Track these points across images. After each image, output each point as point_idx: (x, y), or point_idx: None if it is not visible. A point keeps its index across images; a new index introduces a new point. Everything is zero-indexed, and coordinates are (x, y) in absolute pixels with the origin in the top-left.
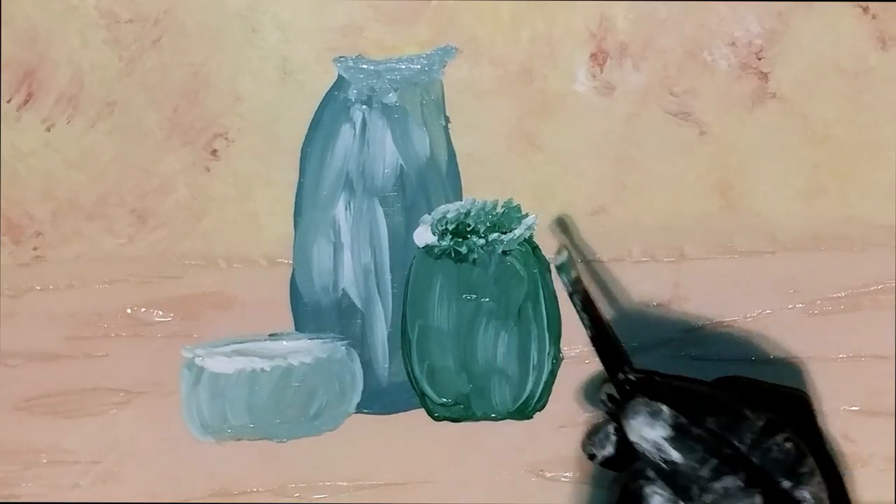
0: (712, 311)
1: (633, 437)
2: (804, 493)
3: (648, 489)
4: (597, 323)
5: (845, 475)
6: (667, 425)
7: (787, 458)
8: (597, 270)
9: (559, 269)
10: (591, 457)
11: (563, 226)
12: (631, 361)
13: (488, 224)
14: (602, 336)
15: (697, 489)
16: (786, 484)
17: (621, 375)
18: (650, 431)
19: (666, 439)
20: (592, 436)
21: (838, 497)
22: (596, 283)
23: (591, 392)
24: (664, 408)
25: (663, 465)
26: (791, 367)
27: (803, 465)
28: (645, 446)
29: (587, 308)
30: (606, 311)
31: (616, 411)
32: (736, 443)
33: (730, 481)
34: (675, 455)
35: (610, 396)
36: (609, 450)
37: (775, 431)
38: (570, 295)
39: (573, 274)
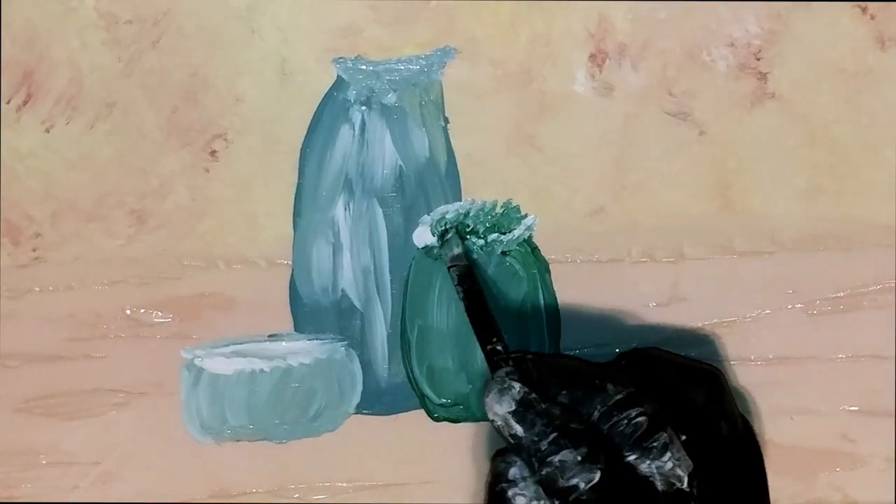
0: (711, 312)
1: (488, 414)
2: (651, 468)
3: (508, 461)
4: (471, 296)
5: (760, 455)
6: (512, 400)
7: (636, 431)
8: (595, 271)
9: (443, 244)
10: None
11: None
12: (503, 337)
13: (487, 225)
14: (476, 309)
15: (537, 462)
16: (631, 457)
17: (489, 346)
18: (499, 407)
19: (510, 413)
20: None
21: (748, 479)
22: (595, 284)
23: None
24: (515, 384)
25: (510, 440)
26: (790, 368)
27: (654, 440)
28: (497, 422)
29: (463, 281)
30: (606, 312)
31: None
32: (586, 416)
33: (568, 454)
34: (517, 429)
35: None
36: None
37: (631, 405)
38: (449, 269)
39: (456, 250)
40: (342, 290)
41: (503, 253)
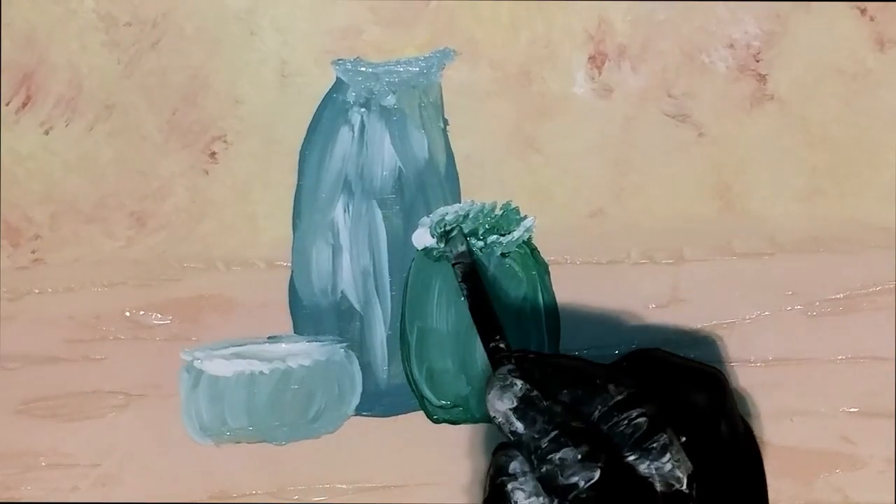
0: (711, 313)
1: (490, 411)
2: (651, 469)
3: (509, 455)
4: (475, 293)
5: (759, 457)
6: (514, 397)
7: (636, 431)
8: (595, 272)
9: (447, 241)
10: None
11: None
12: (506, 336)
13: (487, 226)
14: (479, 306)
15: (537, 459)
16: (630, 458)
17: (492, 344)
18: (500, 404)
19: (512, 410)
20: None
21: (747, 481)
22: (594, 286)
23: None
24: (517, 381)
25: (510, 437)
26: (789, 369)
27: (653, 441)
28: (498, 419)
29: (467, 279)
30: (606, 313)
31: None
32: (587, 416)
33: (568, 453)
34: (518, 426)
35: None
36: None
37: (632, 406)
38: (453, 266)
39: (460, 248)
40: (342, 292)
41: (503, 254)
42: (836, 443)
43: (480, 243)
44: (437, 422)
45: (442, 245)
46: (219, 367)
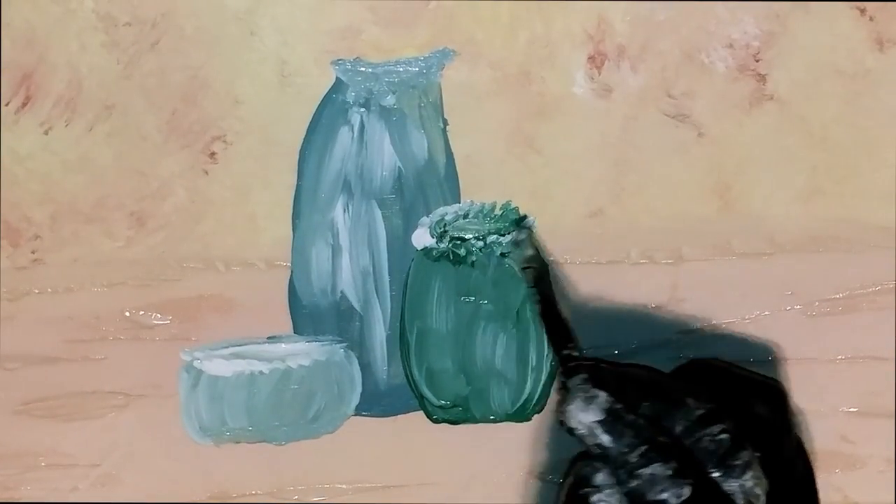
0: (710, 313)
1: (570, 423)
2: (733, 486)
3: (594, 465)
4: (545, 299)
5: (814, 472)
6: (600, 410)
7: (720, 448)
8: (594, 272)
9: (516, 244)
10: (562, 423)
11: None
12: (578, 341)
13: (486, 226)
14: (549, 312)
15: (625, 474)
16: (715, 474)
17: (565, 351)
18: (584, 416)
19: (598, 423)
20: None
21: (803, 493)
22: (594, 286)
23: None
24: (601, 393)
25: (596, 449)
26: (789, 369)
27: (736, 458)
28: (580, 430)
29: (538, 283)
30: (605, 313)
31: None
32: (669, 430)
33: (658, 468)
34: (606, 439)
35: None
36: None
37: (713, 421)
38: (522, 270)
39: (529, 252)
40: (341, 292)
41: (502, 255)
42: (836, 442)
43: (480, 243)
44: (436, 422)
45: (517, 251)
46: (218, 367)
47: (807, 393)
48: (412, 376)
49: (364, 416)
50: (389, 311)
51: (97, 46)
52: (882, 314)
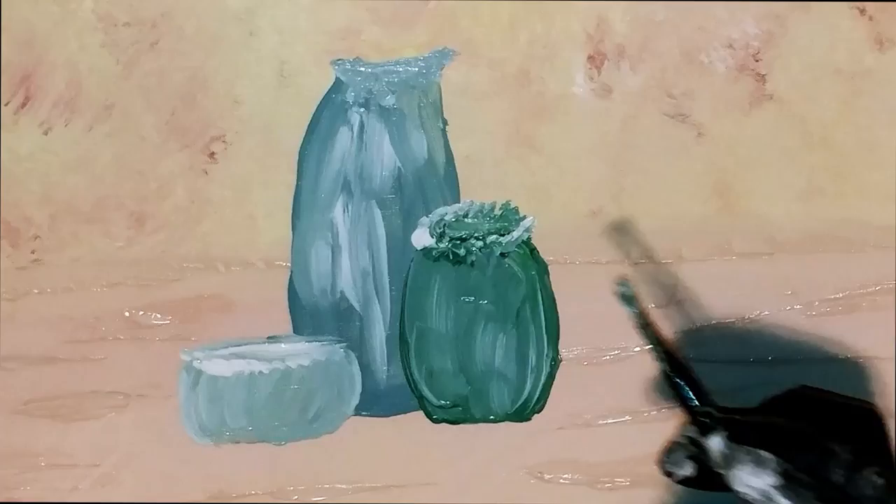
0: (710, 313)
1: (738, 487)
2: None
3: None
4: (670, 356)
5: None
6: (775, 474)
7: (878, 492)
8: (595, 272)
9: (626, 300)
10: (669, 474)
11: (622, 231)
12: (708, 394)
13: (486, 226)
14: (677, 369)
15: None
16: None
17: (699, 408)
18: (757, 481)
19: (775, 488)
20: (670, 454)
21: None
22: (594, 285)
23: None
24: (768, 455)
25: None
26: (789, 369)
27: (892, 498)
28: (753, 495)
29: (659, 341)
30: (605, 313)
31: (699, 443)
32: (828, 480)
33: None
34: (786, 503)
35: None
36: (688, 470)
37: (863, 465)
38: (639, 328)
39: (638, 307)
40: (341, 292)
41: (502, 254)
42: None
43: (480, 243)
44: (436, 421)
45: (629, 309)
46: (218, 367)
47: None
48: (412, 376)
49: (364, 416)
50: (389, 311)
51: (97, 46)
52: (882, 314)
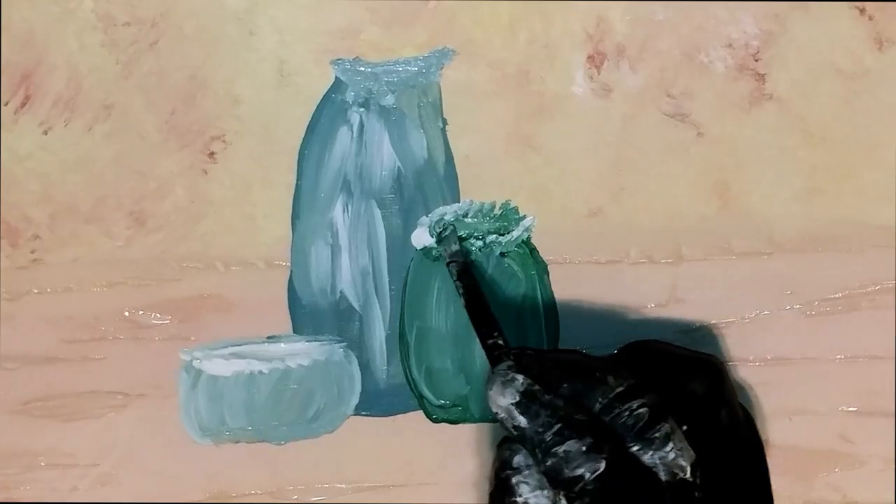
0: (709, 313)
1: (492, 407)
2: (654, 458)
3: (513, 448)
4: (469, 291)
5: (760, 444)
6: (516, 392)
7: (637, 422)
8: (594, 272)
9: (441, 240)
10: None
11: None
12: (503, 332)
13: (486, 226)
14: (475, 304)
15: (541, 453)
16: (634, 448)
17: (490, 341)
18: (502, 399)
19: (514, 405)
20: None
21: (750, 467)
22: (593, 285)
23: None
24: (518, 376)
25: (514, 432)
26: (788, 369)
27: (656, 431)
28: (500, 414)
29: (462, 277)
30: (605, 313)
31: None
32: (588, 408)
33: (573, 445)
34: (521, 420)
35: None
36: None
37: (632, 397)
38: (447, 265)
39: (454, 247)
40: (341, 292)
41: (502, 254)
42: (835, 442)
43: (480, 243)
44: (436, 421)
45: (442, 246)
46: (218, 366)
47: (806, 392)
48: (411, 376)
49: (364, 415)
50: (389, 310)
51: (96, 46)
52: (882, 314)
